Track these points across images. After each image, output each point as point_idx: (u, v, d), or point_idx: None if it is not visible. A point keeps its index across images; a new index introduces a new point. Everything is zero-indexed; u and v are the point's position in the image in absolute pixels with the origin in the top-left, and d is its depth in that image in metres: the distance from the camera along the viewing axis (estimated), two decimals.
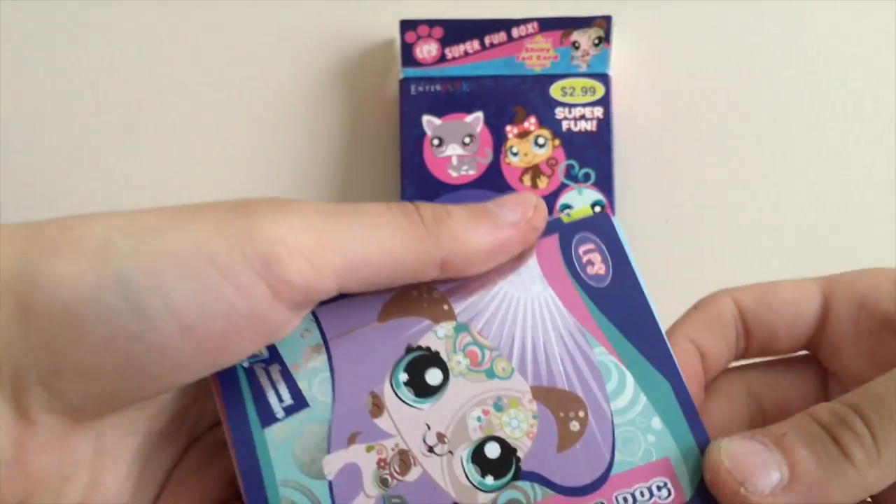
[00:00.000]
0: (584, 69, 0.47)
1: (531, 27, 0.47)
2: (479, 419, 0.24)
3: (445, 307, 0.25)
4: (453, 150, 0.46)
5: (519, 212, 0.24)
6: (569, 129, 0.46)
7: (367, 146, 0.50)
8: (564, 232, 0.25)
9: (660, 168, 0.49)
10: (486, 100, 0.47)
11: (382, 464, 0.23)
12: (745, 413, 0.28)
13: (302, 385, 0.24)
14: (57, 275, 0.20)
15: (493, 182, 0.46)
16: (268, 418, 0.24)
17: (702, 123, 0.49)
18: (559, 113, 0.47)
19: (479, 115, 0.47)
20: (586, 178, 0.46)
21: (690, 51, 0.50)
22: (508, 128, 0.47)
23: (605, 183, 0.46)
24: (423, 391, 0.24)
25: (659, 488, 0.23)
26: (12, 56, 0.50)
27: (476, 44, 0.47)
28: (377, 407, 0.24)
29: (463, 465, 0.23)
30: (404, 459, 0.23)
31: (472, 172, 0.46)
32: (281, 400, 0.24)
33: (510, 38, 0.47)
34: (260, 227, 0.21)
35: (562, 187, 0.46)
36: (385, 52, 0.50)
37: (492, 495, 0.23)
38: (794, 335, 0.27)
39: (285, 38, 0.50)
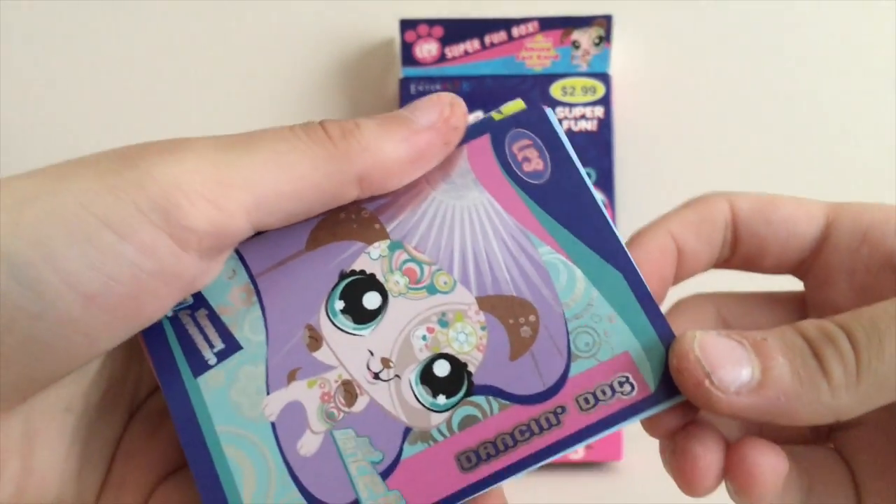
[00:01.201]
0: (584, 69, 0.47)
1: (531, 26, 0.47)
2: (424, 338, 0.23)
3: (377, 226, 0.23)
4: None
5: (434, 112, 0.22)
6: (569, 129, 0.46)
7: None
8: (496, 131, 0.24)
9: (660, 168, 0.49)
10: (487, 99, 0.47)
11: (327, 398, 0.23)
12: None
13: (232, 328, 0.23)
14: None
15: None
16: (199, 366, 0.23)
17: (702, 123, 0.49)
18: (559, 112, 0.46)
19: (480, 114, 0.47)
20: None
21: (690, 51, 0.50)
22: None
23: (605, 182, 0.46)
24: (362, 317, 0.23)
25: (621, 384, 0.22)
26: (12, 54, 0.50)
27: (476, 43, 0.47)
28: (314, 339, 0.23)
29: (412, 388, 0.23)
30: (349, 390, 0.23)
31: None
32: (211, 346, 0.23)
33: (510, 38, 0.47)
34: (151, 174, 0.19)
35: None
36: (385, 51, 0.50)
37: (445, 415, 0.22)
38: (785, 255, 0.25)
39: (285, 38, 0.50)
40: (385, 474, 0.22)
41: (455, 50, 0.47)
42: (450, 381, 0.23)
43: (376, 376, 0.23)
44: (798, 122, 0.50)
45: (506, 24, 0.47)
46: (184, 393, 0.22)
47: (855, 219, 0.25)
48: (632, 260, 0.23)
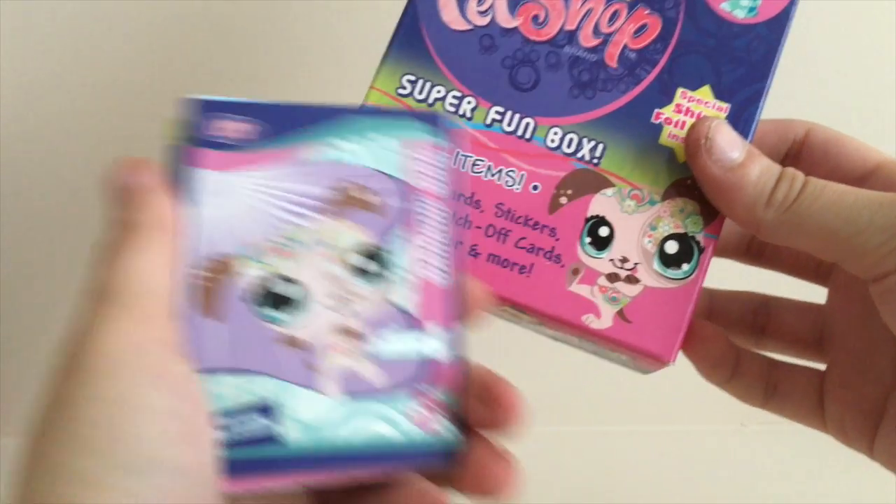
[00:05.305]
0: None
1: None
2: (330, 263, 0.26)
3: (222, 261, 0.26)
4: None
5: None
6: None
7: None
8: (194, 143, 0.26)
9: None
10: None
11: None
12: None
13: None
14: None
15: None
16: None
17: None
18: None
19: None
20: None
21: None
22: None
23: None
24: (278, 303, 0.26)
25: None
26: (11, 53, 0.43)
27: None
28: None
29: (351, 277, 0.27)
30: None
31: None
32: None
33: None
34: None
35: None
36: None
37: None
38: (835, 176, 0.28)
39: None
40: None
41: None
42: (370, 261, 0.27)
43: (342, 306, 0.26)
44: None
45: None
46: None
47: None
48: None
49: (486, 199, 0.28)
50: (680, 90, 0.28)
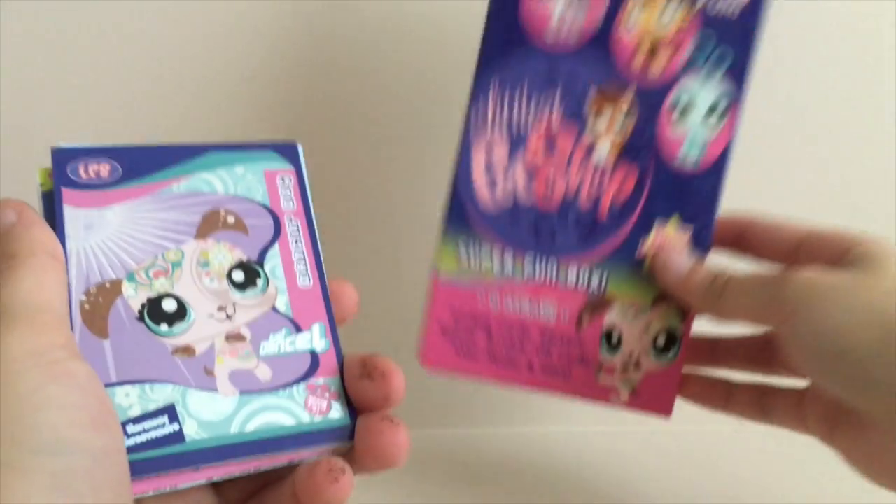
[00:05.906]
0: None
1: None
2: (212, 282, 0.30)
3: (107, 286, 0.28)
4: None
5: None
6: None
7: None
8: (62, 183, 0.29)
9: None
10: None
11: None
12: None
13: None
14: None
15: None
16: None
17: None
18: None
19: None
20: (720, 60, 0.39)
21: None
22: None
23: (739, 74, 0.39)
24: (167, 318, 0.29)
25: None
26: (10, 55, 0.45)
27: None
28: (188, 348, 0.29)
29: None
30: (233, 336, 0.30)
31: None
32: None
33: None
34: None
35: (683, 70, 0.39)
36: None
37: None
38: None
39: None
40: None
41: None
42: (248, 275, 0.30)
43: (227, 316, 0.29)
44: (800, 122, 0.50)
45: None
46: None
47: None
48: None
49: (534, 329, 0.40)
50: (656, 223, 0.39)
